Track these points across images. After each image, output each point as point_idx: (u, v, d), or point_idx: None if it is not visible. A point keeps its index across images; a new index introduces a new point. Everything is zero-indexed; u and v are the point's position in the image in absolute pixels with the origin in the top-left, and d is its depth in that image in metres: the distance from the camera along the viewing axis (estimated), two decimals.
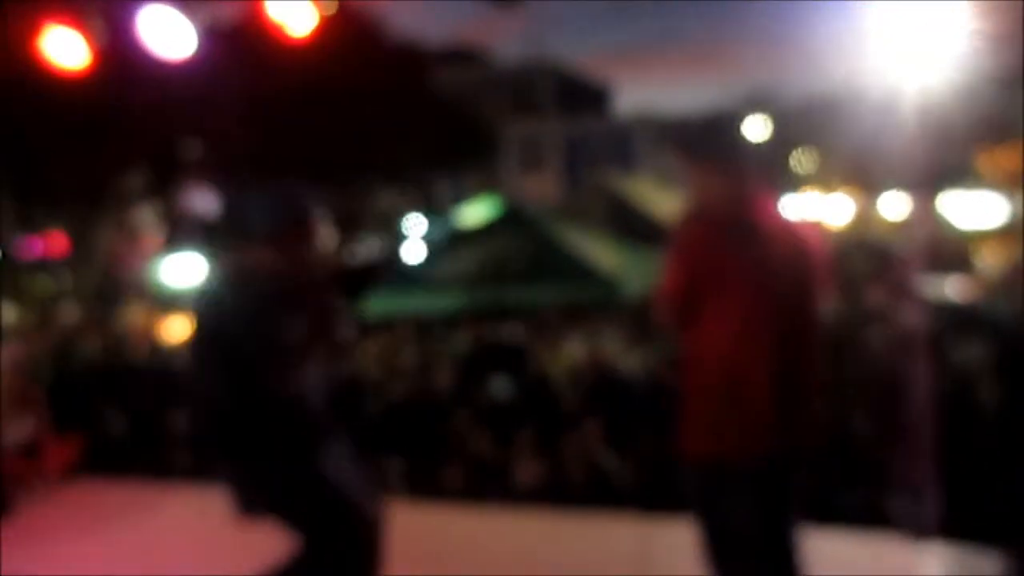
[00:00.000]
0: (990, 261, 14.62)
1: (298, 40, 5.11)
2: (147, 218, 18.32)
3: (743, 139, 2.61)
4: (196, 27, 5.20)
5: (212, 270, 2.89)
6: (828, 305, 2.65)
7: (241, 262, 2.83)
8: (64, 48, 5.34)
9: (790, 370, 2.50)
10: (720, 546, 2.58)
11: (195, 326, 2.82)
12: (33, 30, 5.34)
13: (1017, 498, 3.96)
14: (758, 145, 2.67)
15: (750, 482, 2.51)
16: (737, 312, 2.45)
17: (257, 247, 2.75)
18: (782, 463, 2.54)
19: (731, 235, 2.47)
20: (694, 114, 2.72)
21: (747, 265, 2.45)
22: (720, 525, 2.56)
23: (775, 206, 2.61)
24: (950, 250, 13.56)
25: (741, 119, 2.75)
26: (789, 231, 2.59)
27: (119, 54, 5.54)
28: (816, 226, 2.77)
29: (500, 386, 6.64)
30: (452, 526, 4.72)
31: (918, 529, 4.14)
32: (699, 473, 2.57)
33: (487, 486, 5.42)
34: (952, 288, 10.89)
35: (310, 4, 4.99)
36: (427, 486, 5.56)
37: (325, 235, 2.85)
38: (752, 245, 2.47)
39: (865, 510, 4.38)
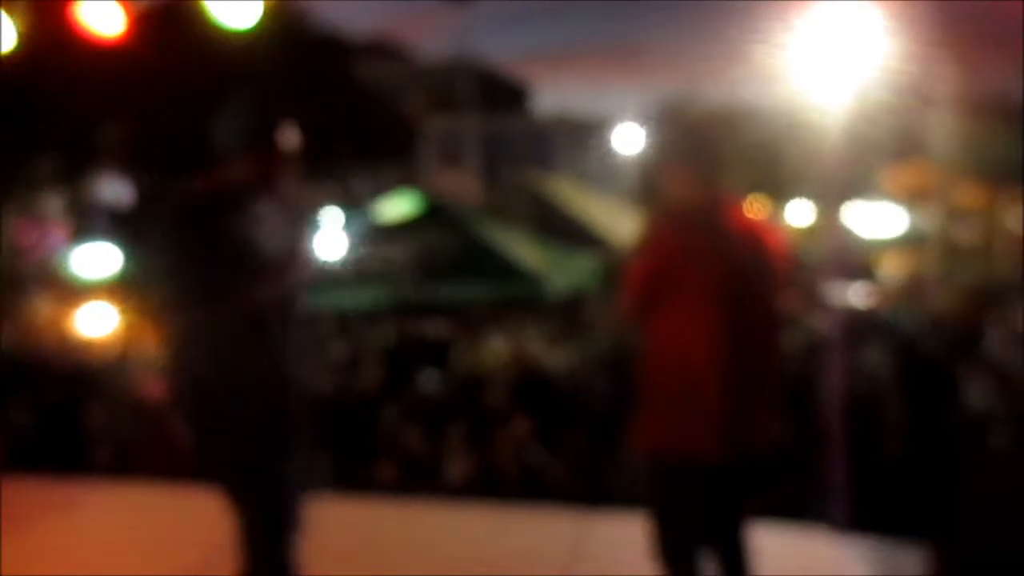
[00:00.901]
0: (891, 271, 15.28)
1: (218, 28, 5.06)
2: (56, 206, 17.65)
3: (712, 146, 2.72)
4: (125, 10, 5.10)
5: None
6: (787, 306, 2.77)
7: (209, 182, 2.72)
8: None
9: (747, 368, 2.59)
10: (671, 538, 2.66)
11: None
12: None
13: (921, 492, 4.21)
14: (724, 152, 2.77)
15: (703, 477, 2.59)
16: (697, 309, 2.53)
17: (234, 161, 2.67)
18: (735, 459, 2.61)
19: (696, 235, 2.57)
20: (670, 122, 2.82)
21: (710, 264, 2.54)
22: (671, 517, 2.65)
23: (739, 210, 2.71)
24: (854, 259, 14.13)
25: (712, 128, 2.86)
26: (752, 234, 2.69)
27: (39, 36, 5.39)
28: (777, 229, 2.83)
29: (428, 381, 6.69)
30: (383, 521, 4.75)
31: (833, 523, 4.37)
32: (654, 466, 2.65)
33: (418, 481, 5.46)
34: (855, 295, 11.35)
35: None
36: (357, 481, 5.57)
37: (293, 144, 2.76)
38: (716, 246, 2.57)
39: (783, 506, 4.58)
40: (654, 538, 2.69)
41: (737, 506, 2.76)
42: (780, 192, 23.88)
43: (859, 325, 7.21)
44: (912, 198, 18.96)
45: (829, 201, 5.40)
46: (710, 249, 2.56)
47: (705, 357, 2.53)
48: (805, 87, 5.27)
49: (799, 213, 23.35)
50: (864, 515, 4.35)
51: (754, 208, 2.73)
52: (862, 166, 16.59)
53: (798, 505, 4.65)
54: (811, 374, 4.93)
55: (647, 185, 3.02)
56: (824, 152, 4.96)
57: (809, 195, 19.80)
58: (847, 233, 17.75)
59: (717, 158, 2.70)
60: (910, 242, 17.63)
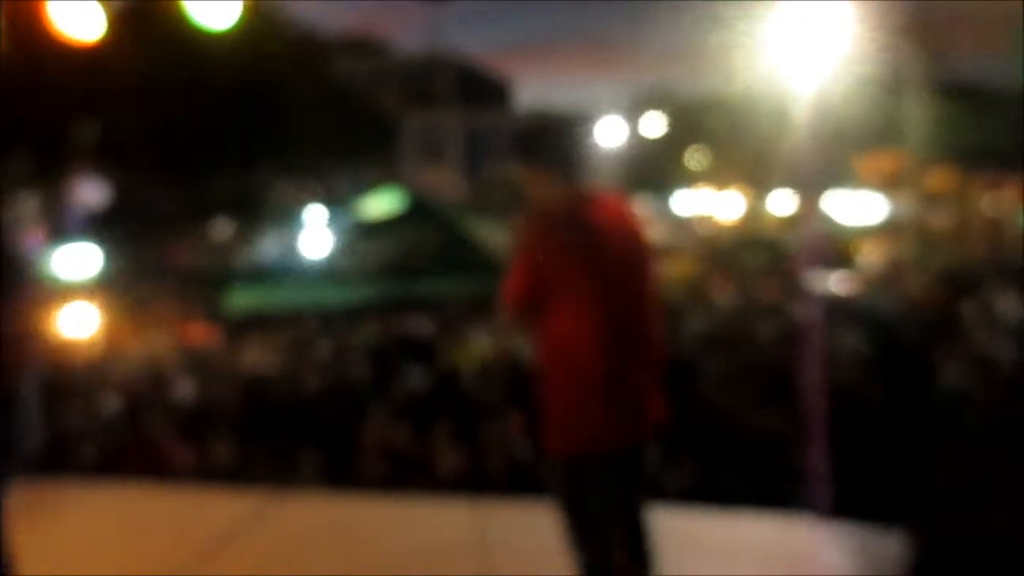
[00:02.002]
0: (870, 258, 15.41)
1: (197, 28, 5.04)
2: (31, 207, 17.52)
3: (570, 146, 2.83)
4: (104, 11, 5.07)
5: None
6: (657, 290, 2.90)
7: None
8: None
9: (632, 356, 2.68)
10: (580, 531, 2.72)
11: None
12: None
13: (900, 478, 4.27)
14: (583, 150, 2.87)
15: (604, 469, 2.67)
16: (578, 306, 2.60)
17: None
18: (631, 447, 2.72)
19: (567, 233, 2.63)
20: (527, 126, 2.91)
21: (583, 260, 2.60)
22: (579, 512, 2.71)
23: (606, 204, 2.78)
24: (833, 247, 14.24)
25: (568, 128, 2.97)
26: (621, 225, 2.77)
27: (15, 37, 5.35)
28: (640, 217, 2.91)
29: (413, 378, 6.71)
30: (371, 517, 4.78)
31: (815, 510, 4.43)
32: (557, 465, 2.70)
33: (406, 477, 5.49)
34: (834, 283, 11.44)
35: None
36: (345, 478, 5.59)
37: None
38: (586, 241, 2.63)
39: (766, 494, 4.64)
40: (568, 534, 2.75)
41: (638, 489, 2.84)
42: (762, 183, 24.04)
43: (838, 312, 7.28)
44: (886, 185, 19.13)
45: (808, 190, 5.46)
46: (581, 245, 2.63)
47: (591, 352, 2.60)
48: (780, 77, 5.32)
49: (781, 203, 23.52)
50: (845, 501, 4.40)
51: (620, 200, 2.86)
52: (838, 155, 16.72)
53: (780, 493, 4.70)
54: (791, 362, 4.98)
55: (513, 191, 3.10)
56: (801, 142, 5.02)
57: (790, 185, 19.95)
58: (826, 221, 17.98)
59: (574, 158, 2.80)
60: (888, 229, 17.78)
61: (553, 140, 2.86)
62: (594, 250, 2.62)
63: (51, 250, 14.02)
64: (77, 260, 12.52)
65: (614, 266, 2.64)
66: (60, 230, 15.95)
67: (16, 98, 12.36)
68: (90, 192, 17.03)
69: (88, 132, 15.19)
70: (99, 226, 15.19)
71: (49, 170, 16.38)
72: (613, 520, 2.75)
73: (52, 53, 5.82)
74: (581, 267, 2.59)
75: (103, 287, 11.14)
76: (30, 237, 16.98)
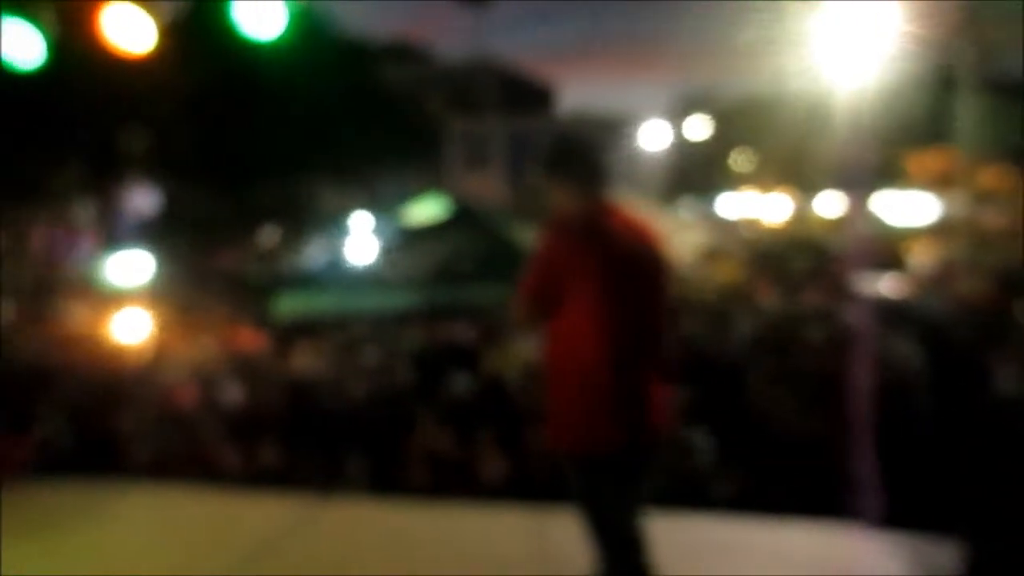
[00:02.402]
0: (921, 259, 15.13)
1: (249, 37, 5.12)
2: (86, 213, 17.91)
3: (589, 160, 2.97)
4: (155, 23, 5.18)
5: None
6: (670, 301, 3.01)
7: None
8: (17, 43, 5.27)
9: (640, 358, 2.81)
10: (607, 527, 2.84)
11: None
12: None
13: (954, 485, 4.18)
14: (604, 164, 3.00)
15: (615, 464, 2.79)
16: (587, 309, 2.73)
17: None
18: (633, 449, 2.82)
19: (582, 240, 2.79)
20: (551, 140, 3.11)
21: (595, 266, 2.74)
22: (593, 509, 2.83)
23: (622, 214, 2.92)
24: (883, 248, 14.00)
25: (590, 142, 3.13)
26: (636, 237, 2.91)
27: (70, 49, 5.49)
28: (657, 229, 3.03)
29: (458, 384, 6.72)
30: (416, 523, 4.80)
31: (865, 519, 4.35)
32: (571, 463, 2.83)
33: (450, 483, 5.49)
34: (884, 285, 11.25)
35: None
36: (390, 484, 5.62)
37: None
38: (600, 249, 2.77)
39: (817, 503, 4.56)
40: (589, 530, 2.86)
41: (640, 492, 2.93)
42: (809, 184, 23.71)
43: (888, 315, 7.15)
44: (937, 184, 18.75)
45: (856, 191, 5.37)
46: (595, 252, 2.76)
47: (596, 354, 2.73)
48: (827, 76, 5.25)
49: (828, 204, 23.18)
50: (896, 510, 4.32)
51: (637, 211, 3.00)
52: (887, 154, 16.43)
53: (830, 501, 4.63)
54: (840, 367, 4.90)
55: (536, 199, 3.22)
56: (849, 142, 4.95)
57: (837, 186, 19.65)
58: (875, 222, 17.68)
59: (592, 172, 2.94)
60: (939, 229, 17.44)
61: (573, 154, 2.98)
62: (606, 258, 2.76)
63: (104, 256, 14.32)
64: (129, 266, 12.77)
65: (626, 274, 2.78)
66: (113, 237, 16.29)
67: (71, 108, 12.67)
68: (142, 200, 17.36)
69: (140, 141, 15.48)
70: (150, 233, 15.46)
71: (102, 178, 16.74)
72: (632, 517, 2.85)
73: (105, 63, 5.96)
74: (593, 272, 2.73)
75: (154, 293, 11.33)
76: (82, 243, 17.38)
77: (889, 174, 18.02)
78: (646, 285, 2.86)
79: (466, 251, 9.99)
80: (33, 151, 13.89)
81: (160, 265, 13.18)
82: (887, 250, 14.31)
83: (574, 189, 2.89)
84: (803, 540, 4.34)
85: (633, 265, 2.82)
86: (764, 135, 22.03)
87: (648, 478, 2.94)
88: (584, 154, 2.99)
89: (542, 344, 2.89)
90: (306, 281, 12.08)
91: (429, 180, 24.92)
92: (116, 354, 8.72)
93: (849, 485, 4.53)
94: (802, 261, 15.26)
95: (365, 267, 11.53)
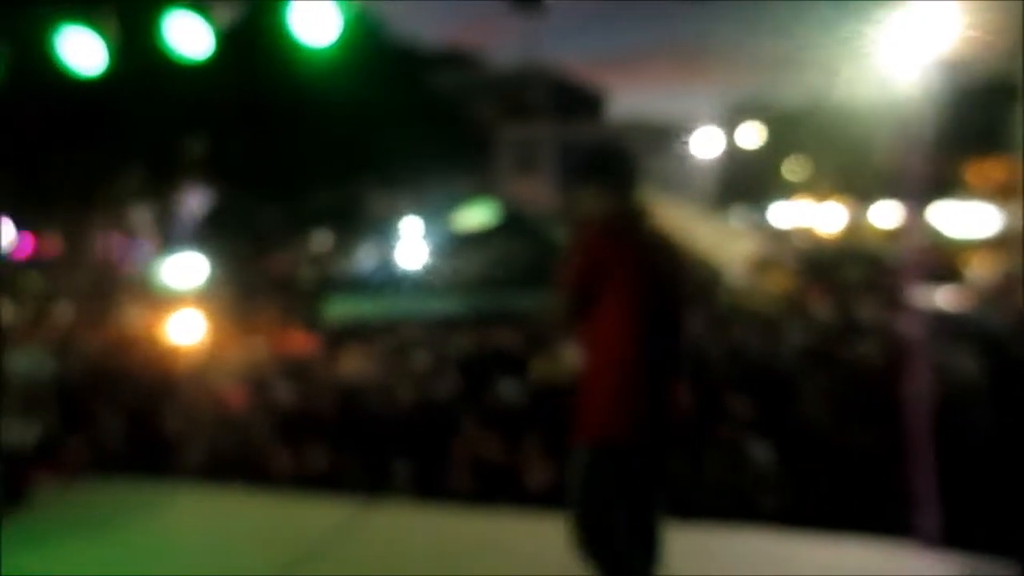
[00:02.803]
0: (980, 271, 14.78)
1: (305, 44, 5.18)
2: (143, 217, 18.31)
3: (625, 165, 3.17)
4: (213, 29, 5.28)
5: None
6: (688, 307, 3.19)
7: None
8: (79, 50, 5.40)
9: (663, 358, 2.98)
10: (589, 525, 2.98)
11: None
12: (49, 30, 5.40)
13: (1015, 507, 4.06)
14: (637, 170, 3.17)
15: (625, 462, 2.93)
16: (622, 306, 2.89)
17: None
18: (653, 446, 2.98)
19: (616, 243, 2.97)
20: (587, 146, 3.43)
21: (629, 268, 2.92)
22: (598, 500, 2.96)
23: (651, 219, 3.11)
24: (941, 260, 13.71)
25: (623, 149, 3.40)
26: (661, 241, 3.12)
27: (131, 55, 5.60)
28: (680, 236, 3.32)
29: (506, 390, 6.72)
30: (462, 528, 4.81)
31: (921, 537, 4.24)
32: (589, 451, 2.96)
33: (496, 489, 5.49)
34: (943, 298, 11.01)
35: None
36: (436, 489, 5.63)
37: None
38: (634, 250, 2.97)
39: (870, 518, 4.47)
40: (578, 519, 3.01)
41: (657, 490, 3.07)
42: (864, 193, 23.32)
43: (946, 328, 6.99)
44: (998, 194, 18.31)
45: (913, 201, 5.26)
46: (630, 254, 2.95)
47: (631, 352, 2.90)
48: (883, 82, 5.15)
49: (884, 214, 22.77)
50: (952, 528, 4.21)
51: (665, 216, 3.26)
52: (947, 164, 16.10)
53: (883, 517, 4.52)
54: (895, 380, 4.79)
55: (572, 203, 3.37)
56: (906, 150, 4.85)
57: (894, 195, 19.30)
58: (932, 233, 17.33)
59: (628, 177, 3.12)
60: (999, 241, 17.03)
61: (609, 161, 3.18)
62: (639, 259, 2.95)
63: (161, 260, 14.62)
64: (184, 270, 13.03)
65: (654, 276, 2.97)
66: (169, 241, 16.63)
67: (132, 114, 12.95)
68: (197, 204, 17.70)
69: (197, 146, 15.79)
70: (205, 237, 15.75)
71: (161, 183, 17.09)
72: (621, 518, 2.98)
73: (165, 70, 6.09)
74: (628, 273, 2.91)
75: (208, 296, 11.54)
76: (141, 247, 17.78)
77: (948, 184, 17.65)
78: (669, 287, 3.04)
79: (515, 257, 9.99)
80: (95, 157, 14.23)
81: (214, 268, 13.42)
82: (944, 261, 14.01)
83: (608, 194, 3.06)
84: (856, 556, 4.25)
85: (660, 268, 3.01)
86: (819, 143, 21.73)
87: (662, 480, 3.06)
88: (619, 161, 3.18)
89: (578, 342, 3.06)
90: (356, 285, 12.18)
91: (479, 186, 25.01)
92: (171, 356, 8.90)
93: (904, 501, 4.43)
94: (856, 272, 15.00)
95: (414, 272, 11.59)
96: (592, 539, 2.98)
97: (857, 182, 22.30)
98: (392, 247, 14.61)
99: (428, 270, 11.26)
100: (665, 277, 3.03)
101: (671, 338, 3.03)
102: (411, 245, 13.30)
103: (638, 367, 2.90)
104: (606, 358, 2.93)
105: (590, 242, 3.00)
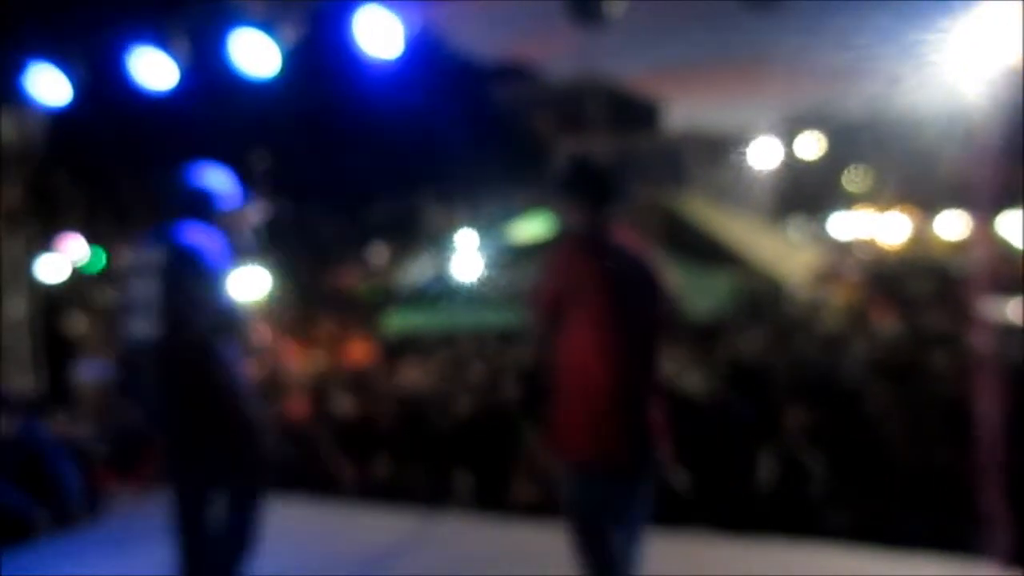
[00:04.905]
0: None
1: (369, 58, 5.25)
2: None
3: (598, 182, 3.12)
4: (280, 47, 5.39)
5: None
6: (670, 314, 3.14)
7: None
8: (150, 69, 5.56)
9: (638, 375, 2.95)
10: (591, 539, 2.98)
11: None
12: (119, 49, 5.57)
13: None
14: (612, 186, 3.13)
15: (611, 478, 2.93)
16: (592, 325, 2.87)
17: None
18: (632, 464, 2.97)
19: (585, 259, 2.95)
20: (566, 163, 3.44)
21: (599, 281, 2.90)
22: (589, 520, 2.97)
23: (627, 235, 3.08)
24: (1011, 271, 13.35)
25: (599, 165, 3.34)
26: (636, 257, 3.07)
27: (200, 73, 5.75)
28: (652, 251, 3.17)
29: None
30: (521, 540, 4.80)
31: (994, 556, 4.13)
32: (569, 472, 2.97)
33: (556, 502, 5.48)
34: (1013, 310, 10.72)
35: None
36: (497, 501, 5.65)
37: None
38: (603, 265, 2.94)
39: (942, 536, 4.36)
40: (575, 540, 3.00)
41: (639, 507, 3.07)
42: (930, 203, 22.81)
43: (1017, 341, 6.80)
44: None
45: (981, 211, 5.14)
46: (596, 273, 2.91)
47: (602, 367, 2.86)
48: (950, 92, 5.04)
49: (950, 225, 22.24)
50: None
51: (637, 234, 3.15)
52: (1015, 172, 15.67)
53: (954, 535, 4.41)
54: (964, 394, 4.68)
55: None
56: (974, 160, 4.74)
57: (960, 205, 18.84)
58: (1002, 244, 16.87)
59: (601, 194, 3.07)
60: None
61: (583, 176, 3.15)
62: (608, 274, 2.92)
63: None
64: (247, 283, 13.28)
65: (626, 292, 2.94)
66: (233, 254, 16.94)
67: (201, 129, 13.27)
68: (259, 218, 18.01)
69: (261, 161, 16.09)
70: (267, 250, 16.03)
71: None
72: (610, 531, 2.99)
73: (232, 86, 6.24)
74: (596, 288, 2.88)
75: (271, 308, 11.73)
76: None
77: (1017, 194, 17.18)
78: (644, 304, 3.00)
79: None
80: (162, 171, 14.58)
81: (276, 281, 13.65)
82: (1014, 273, 13.62)
83: (580, 210, 3.04)
84: (926, 575, 4.16)
85: (632, 283, 2.98)
86: (881, 153, 21.33)
87: (646, 497, 3.06)
88: (593, 176, 3.14)
89: (553, 357, 3.00)
90: (414, 297, 12.29)
91: (535, 198, 25.06)
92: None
93: (976, 519, 4.31)
94: (922, 284, 14.68)
95: (472, 283, 11.66)
96: (588, 552, 3.00)
97: (921, 192, 21.83)
98: (448, 259, 14.71)
99: (484, 282, 11.31)
100: (637, 294, 2.99)
101: (646, 356, 3.00)
102: (467, 257, 13.37)
103: (610, 387, 2.86)
104: (578, 379, 2.90)
105: (557, 261, 3.01)
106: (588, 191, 3.07)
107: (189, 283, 3.07)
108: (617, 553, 3.02)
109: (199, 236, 3.27)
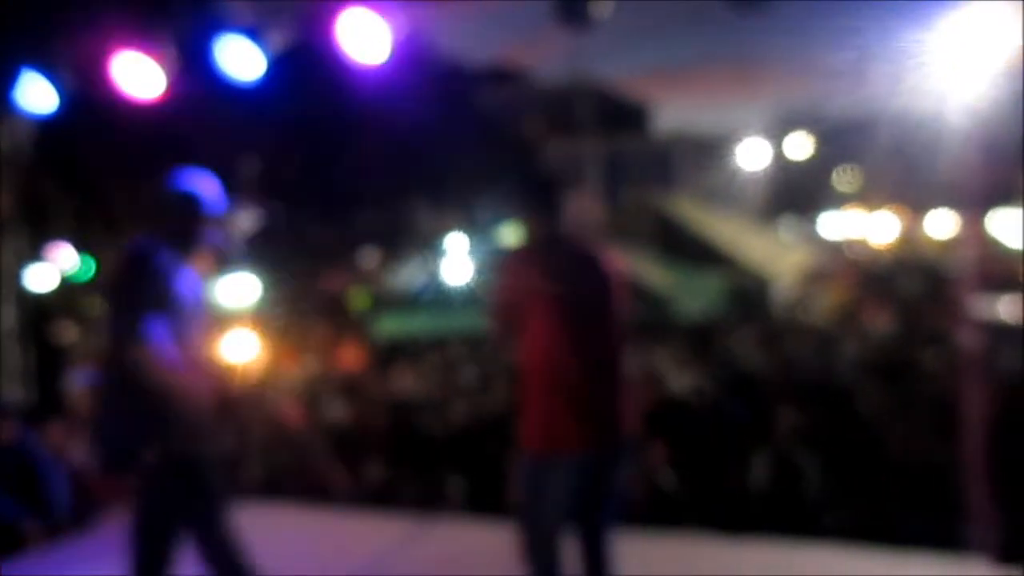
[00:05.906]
0: None
1: (357, 64, 5.24)
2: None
3: (548, 194, 3.30)
4: (266, 53, 5.38)
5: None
6: (627, 319, 3.27)
7: None
8: (136, 76, 5.54)
9: (599, 374, 3.11)
10: (537, 523, 3.10)
11: None
12: (105, 57, 5.55)
13: None
14: (562, 198, 3.30)
15: (565, 472, 3.05)
16: (547, 326, 3.05)
17: None
18: (597, 456, 3.09)
19: (537, 264, 3.12)
20: (524, 176, 3.38)
21: (551, 286, 3.05)
22: (532, 511, 3.10)
23: (579, 244, 3.26)
24: (1001, 270, 13.39)
25: (550, 178, 3.64)
26: (591, 261, 3.24)
27: (187, 79, 5.74)
28: (616, 255, 3.38)
29: None
30: (516, 545, 4.78)
31: (982, 553, 4.14)
32: (531, 462, 3.10)
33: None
34: (1004, 309, 10.76)
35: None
36: (489, 504, 5.64)
37: None
38: (553, 271, 3.10)
39: (934, 534, 4.37)
40: (523, 526, 3.13)
41: (607, 499, 3.20)
42: (919, 203, 22.89)
43: (1007, 340, 6.82)
44: None
45: (971, 210, 5.16)
46: (548, 276, 3.08)
47: (562, 365, 3.04)
48: (940, 92, 5.06)
49: (940, 224, 22.32)
50: (1018, 545, 4.10)
51: (593, 242, 3.38)
52: (1005, 171, 15.74)
53: (947, 533, 4.43)
54: (955, 393, 4.69)
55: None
56: (963, 159, 4.76)
57: (950, 205, 18.90)
58: (992, 243, 16.93)
59: (552, 203, 3.26)
60: None
61: (534, 189, 3.36)
62: (559, 280, 3.07)
63: (214, 279, 14.85)
64: (238, 289, 13.21)
65: (580, 294, 3.11)
66: (223, 260, 16.89)
67: (188, 137, 13.24)
68: (249, 224, 17.97)
69: (249, 167, 16.05)
70: (258, 256, 15.99)
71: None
72: (561, 526, 3.10)
73: (219, 93, 6.22)
74: (548, 292, 3.05)
75: (261, 314, 11.69)
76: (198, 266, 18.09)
77: (1007, 192, 17.26)
78: (601, 304, 3.18)
79: None
80: (152, 179, 14.54)
81: (266, 287, 13.61)
82: (1005, 272, 13.68)
83: (534, 220, 3.24)
84: (918, 572, 4.16)
85: (586, 284, 3.16)
86: (870, 153, 21.39)
87: (615, 488, 3.19)
88: (543, 189, 3.35)
89: (515, 355, 3.20)
90: (404, 302, 12.28)
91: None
92: (226, 374, 9.02)
93: (968, 517, 4.33)
94: (912, 283, 14.74)
95: (462, 287, 11.65)
96: (533, 548, 3.11)
97: (911, 192, 21.91)
98: (440, 264, 14.71)
99: (475, 286, 11.31)
100: (593, 293, 3.17)
101: (610, 351, 3.17)
102: (458, 261, 13.37)
103: (569, 382, 3.03)
104: (538, 377, 3.07)
105: (511, 269, 3.19)
106: (538, 201, 3.28)
107: (130, 291, 2.95)
108: (564, 562, 3.13)
109: (156, 244, 3.13)
